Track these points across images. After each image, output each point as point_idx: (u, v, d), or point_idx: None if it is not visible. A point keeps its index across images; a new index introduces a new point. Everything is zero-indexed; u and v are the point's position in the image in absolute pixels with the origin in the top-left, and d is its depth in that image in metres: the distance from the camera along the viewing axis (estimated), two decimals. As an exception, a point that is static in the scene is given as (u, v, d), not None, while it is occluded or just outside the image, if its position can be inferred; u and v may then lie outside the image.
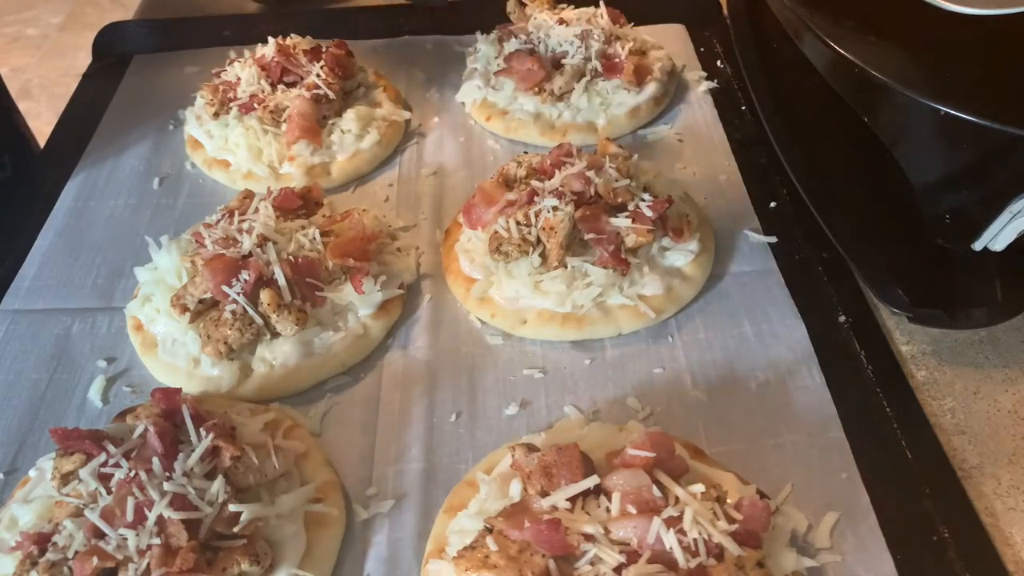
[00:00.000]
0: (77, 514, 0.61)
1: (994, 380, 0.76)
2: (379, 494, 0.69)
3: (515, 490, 0.61)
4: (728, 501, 0.60)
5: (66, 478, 0.63)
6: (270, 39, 1.06)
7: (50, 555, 0.59)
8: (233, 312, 0.75)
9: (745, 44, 1.12)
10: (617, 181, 0.83)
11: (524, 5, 1.15)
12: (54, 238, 0.96)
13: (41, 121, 1.17)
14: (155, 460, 0.61)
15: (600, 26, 1.07)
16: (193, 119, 1.06)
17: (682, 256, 0.83)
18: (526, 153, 0.92)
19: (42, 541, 0.60)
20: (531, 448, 0.62)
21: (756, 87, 1.05)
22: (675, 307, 0.82)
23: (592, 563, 0.55)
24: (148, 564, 0.57)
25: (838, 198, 0.88)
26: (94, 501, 0.61)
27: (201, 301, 0.77)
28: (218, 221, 0.83)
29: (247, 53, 1.08)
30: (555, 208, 0.79)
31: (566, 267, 0.79)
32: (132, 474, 0.60)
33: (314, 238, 0.81)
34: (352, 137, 1.01)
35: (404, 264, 0.86)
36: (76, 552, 0.58)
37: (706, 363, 0.78)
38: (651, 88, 1.06)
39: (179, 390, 0.67)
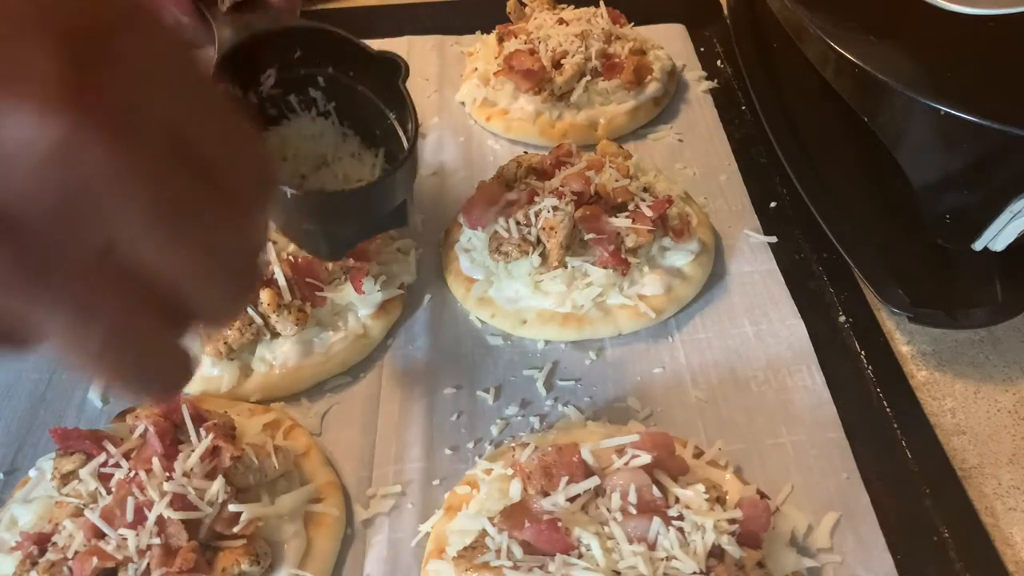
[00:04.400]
0: (77, 514, 0.61)
1: (994, 380, 0.76)
2: (379, 494, 0.69)
3: (515, 490, 0.61)
4: (728, 501, 0.60)
5: (66, 478, 0.63)
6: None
7: (50, 555, 0.59)
8: (233, 312, 0.75)
9: (745, 44, 1.12)
10: (617, 181, 0.83)
11: (524, 5, 1.15)
12: (54, 238, 0.96)
13: (41, 121, 1.16)
14: (155, 460, 0.61)
15: (600, 26, 1.08)
16: (193, 119, 1.06)
17: (682, 256, 0.83)
18: (526, 153, 0.92)
19: (42, 541, 0.60)
20: (531, 448, 0.62)
21: (756, 87, 1.05)
22: (675, 307, 0.82)
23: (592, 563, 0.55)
24: (148, 564, 0.57)
25: (838, 198, 0.88)
26: (94, 501, 0.61)
27: (201, 301, 0.77)
28: (218, 221, 0.82)
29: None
30: (555, 208, 0.79)
31: (566, 267, 0.79)
32: (132, 474, 0.61)
33: (314, 238, 0.81)
34: (352, 137, 1.01)
35: (404, 264, 0.86)
36: (76, 552, 0.58)
37: (706, 363, 0.78)
38: (651, 88, 1.06)
39: (179, 390, 0.68)
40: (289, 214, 0.68)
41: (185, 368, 0.33)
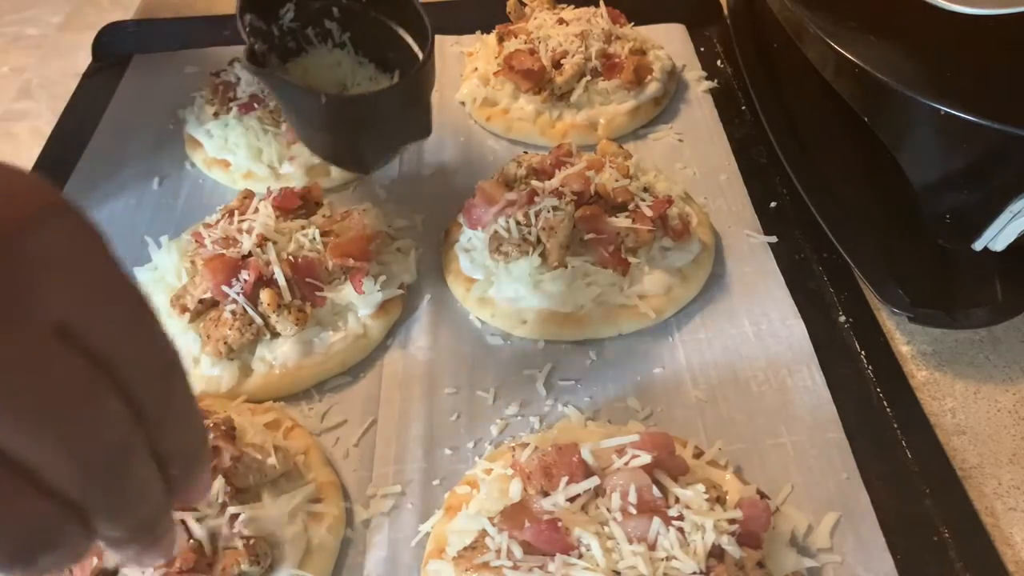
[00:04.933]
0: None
1: (994, 380, 0.76)
2: (379, 494, 0.69)
3: (515, 490, 0.61)
4: (728, 501, 0.60)
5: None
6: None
7: (50, 555, 0.59)
8: (233, 312, 0.75)
9: (745, 44, 1.12)
10: (617, 181, 0.83)
11: (524, 5, 1.15)
12: (54, 238, 0.96)
13: (41, 121, 1.16)
14: (155, 460, 0.61)
15: (600, 26, 1.08)
16: (193, 119, 1.06)
17: (682, 256, 0.83)
18: (526, 153, 0.92)
19: (42, 541, 0.60)
20: (531, 448, 0.62)
21: (756, 87, 1.05)
22: (675, 307, 0.82)
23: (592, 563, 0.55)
24: (148, 564, 0.57)
25: (838, 198, 0.88)
26: (94, 501, 0.61)
27: (201, 301, 0.77)
28: (218, 221, 0.83)
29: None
30: (555, 208, 0.79)
31: (566, 267, 0.79)
32: (132, 474, 0.60)
33: (314, 238, 0.81)
34: (352, 137, 1.02)
35: (404, 264, 0.86)
36: (76, 552, 0.58)
37: (706, 363, 0.78)
38: (651, 88, 1.06)
39: (179, 390, 0.67)
40: (318, 127, 0.73)
41: (78, 551, 0.32)
